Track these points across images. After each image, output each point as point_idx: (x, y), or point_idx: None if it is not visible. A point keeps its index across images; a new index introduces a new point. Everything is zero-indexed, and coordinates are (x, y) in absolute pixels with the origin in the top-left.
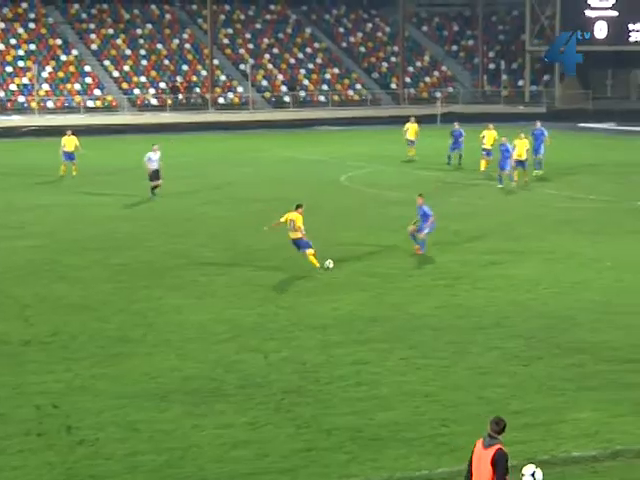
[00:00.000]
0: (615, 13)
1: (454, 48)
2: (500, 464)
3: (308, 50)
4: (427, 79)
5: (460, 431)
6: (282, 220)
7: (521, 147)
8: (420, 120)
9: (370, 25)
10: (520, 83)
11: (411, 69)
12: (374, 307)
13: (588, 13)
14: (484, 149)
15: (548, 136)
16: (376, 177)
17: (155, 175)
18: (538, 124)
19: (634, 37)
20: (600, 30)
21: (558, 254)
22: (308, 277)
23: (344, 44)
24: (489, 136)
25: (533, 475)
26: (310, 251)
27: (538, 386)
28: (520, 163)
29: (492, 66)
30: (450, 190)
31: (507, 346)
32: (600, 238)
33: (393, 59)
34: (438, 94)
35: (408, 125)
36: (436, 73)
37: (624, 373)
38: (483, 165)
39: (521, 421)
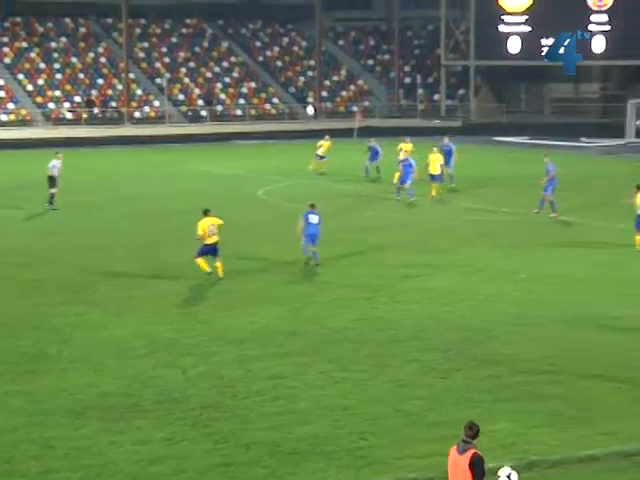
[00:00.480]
0: (528, 28)
1: (370, 62)
2: (478, 467)
3: (225, 64)
4: (344, 93)
5: (378, 444)
6: (201, 232)
7: (434, 162)
8: (333, 135)
9: (286, 39)
10: (436, 97)
11: (328, 83)
12: (292, 321)
13: (502, 28)
14: (401, 162)
15: (456, 151)
16: (294, 191)
17: (52, 182)
18: (446, 139)
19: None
20: (514, 45)
21: (473, 267)
22: (226, 291)
23: (261, 58)
24: (405, 149)
25: (509, 477)
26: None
27: (456, 398)
28: (434, 177)
29: (408, 80)
30: (365, 203)
31: (425, 359)
32: (514, 250)
33: (310, 73)
34: (355, 108)
35: (322, 142)
36: (352, 87)
37: (538, 384)
38: (396, 178)
39: (439, 433)
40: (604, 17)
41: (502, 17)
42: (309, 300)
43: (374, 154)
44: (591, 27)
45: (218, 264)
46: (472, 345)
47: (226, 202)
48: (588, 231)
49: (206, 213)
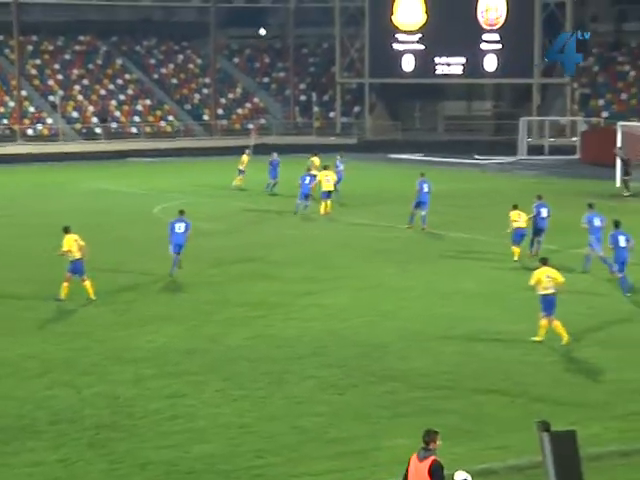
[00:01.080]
0: (422, 47)
1: (266, 80)
2: (437, 474)
3: (119, 81)
4: (239, 111)
5: (275, 462)
6: (66, 249)
7: (324, 178)
8: (229, 153)
9: (181, 57)
10: (331, 114)
11: (223, 101)
12: (189, 339)
13: (396, 46)
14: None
15: (343, 168)
16: (190, 209)
17: None
18: (338, 157)
19: (440, 70)
20: (408, 63)
21: (370, 283)
22: (123, 310)
23: (156, 75)
24: (315, 164)
25: None
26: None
27: (354, 414)
28: (326, 194)
29: (303, 98)
30: (264, 220)
31: (323, 375)
32: (410, 267)
33: (205, 91)
34: (251, 125)
35: (244, 157)
36: (248, 105)
37: (435, 399)
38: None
39: (337, 449)
40: (495, 36)
41: (396, 35)
42: (207, 318)
43: (275, 168)
44: (483, 46)
45: (86, 283)
46: (370, 361)
47: (121, 219)
48: (479, 246)
49: (67, 231)
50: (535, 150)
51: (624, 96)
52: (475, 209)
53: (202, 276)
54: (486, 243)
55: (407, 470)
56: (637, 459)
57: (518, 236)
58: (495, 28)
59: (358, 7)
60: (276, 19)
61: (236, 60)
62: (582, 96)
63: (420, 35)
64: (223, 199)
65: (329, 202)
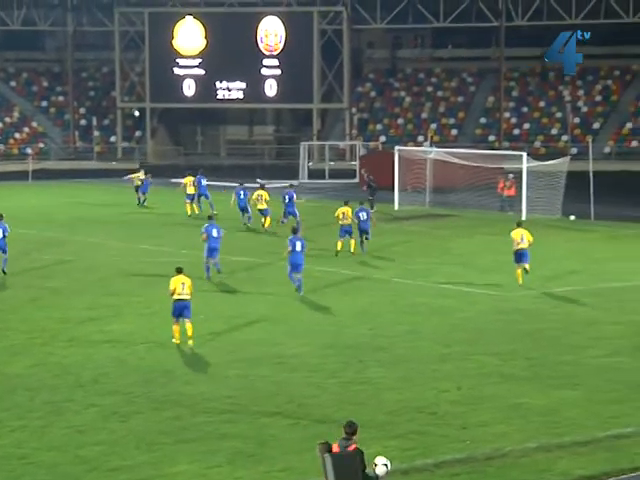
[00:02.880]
0: (202, 71)
1: (44, 104)
2: (361, 459)
3: None
4: (17, 135)
5: None
6: None
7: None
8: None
9: None
10: (113, 139)
11: (0, 125)
12: None
13: (177, 71)
14: (188, 195)
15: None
16: None
17: None
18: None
19: (221, 94)
20: (189, 88)
21: (153, 308)
22: None
23: None
24: (187, 181)
25: (386, 465)
26: None
27: (137, 442)
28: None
29: (84, 122)
30: (46, 247)
31: (105, 403)
32: (193, 292)
33: None
34: (29, 150)
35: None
36: (26, 129)
37: (220, 424)
38: (189, 209)
39: (119, 478)
40: (275, 61)
41: (177, 60)
42: None
43: (146, 186)
44: (263, 71)
45: None
46: (154, 387)
47: None
48: (264, 270)
49: None
50: (316, 174)
51: (400, 121)
52: (258, 233)
53: None
54: (279, 267)
55: None
56: (416, 477)
57: (343, 232)
58: (275, 54)
59: (138, 31)
60: (54, 42)
61: (13, 83)
62: (360, 121)
63: (200, 60)
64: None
65: (268, 218)
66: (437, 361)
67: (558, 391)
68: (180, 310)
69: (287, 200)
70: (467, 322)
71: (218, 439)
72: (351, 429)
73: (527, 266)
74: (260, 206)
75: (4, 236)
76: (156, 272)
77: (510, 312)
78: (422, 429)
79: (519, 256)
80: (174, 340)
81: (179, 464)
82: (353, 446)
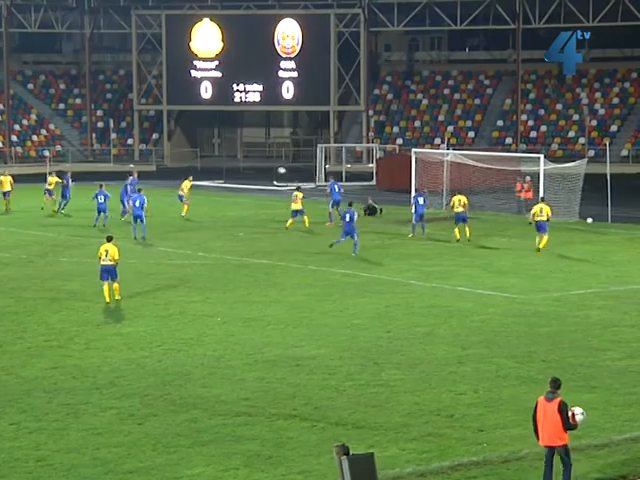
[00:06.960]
0: (219, 74)
1: (61, 106)
2: (564, 411)
3: None
4: (35, 137)
5: None
6: None
7: None
8: (23, 181)
9: None
10: (130, 141)
11: (17, 127)
12: None
13: (194, 73)
14: (180, 195)
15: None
16: None
17: None
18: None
19: (238, 97)
20: (206, 90)
21: (171, 311)
22: None
23: None
24: (186, 185)
25: (583, 414)
26: None
27: (153, 444)
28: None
29: (101, 124)
30: (61, 250)
31: (122, 405)
32: (212, 294)
33: None
34: (46, 152)
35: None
36: (44, 131)
37: (236, 426)
38: (185, 210)
39: None
40: (292, 64)
41: (194, 62)
42: (1, 349)
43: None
44: (280, 73)
45: None
46: (170, 389)
47: None
48: (282, 273)
49: None
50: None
51: (417, 123)
52: (277, 235)
53: None
54: (296, 270)
55: (535, 411)
56: (433, 479)
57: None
58: (292, 56)
59: (155, 34)
60: (72, 45)
61: (30, 86)
62: (377, 123)
63: (217, 62)
64: (17, 228)
65: (306, 217)
66: (454, 363)
67: (575, 394)
68: (103, 273)
69: (348, 219)
70: (484, 325)
71: (235, 441)
72: (555, 384)
73: (545, 238)
74: (295, 206)
75: (141, 206)
76: (174, 274)
77: (528, 315)
78: (439, 432)
79: (538, 227)
80: (106, 300)
81: (196, 466)
82: (559, 399)
